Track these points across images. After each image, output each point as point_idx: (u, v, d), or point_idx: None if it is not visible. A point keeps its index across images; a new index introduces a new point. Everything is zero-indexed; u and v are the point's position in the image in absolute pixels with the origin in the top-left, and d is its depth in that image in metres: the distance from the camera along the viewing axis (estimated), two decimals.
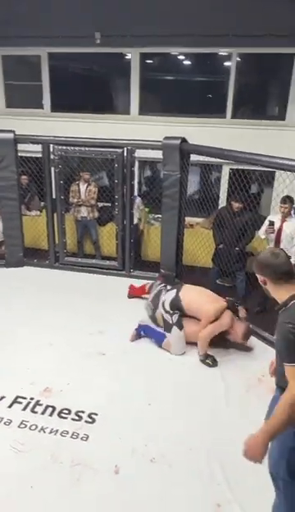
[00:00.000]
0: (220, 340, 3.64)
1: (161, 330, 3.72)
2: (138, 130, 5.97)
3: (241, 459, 2.53)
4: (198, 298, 3.67)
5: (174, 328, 3.61)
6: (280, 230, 4.74)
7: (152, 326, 3.80)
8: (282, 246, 4.76)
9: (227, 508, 2.29)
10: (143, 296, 4.38)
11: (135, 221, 6.16)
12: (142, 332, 3.75)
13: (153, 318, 3.86)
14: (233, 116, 6.80)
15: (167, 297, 3.72)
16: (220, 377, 3.35)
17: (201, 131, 5.92)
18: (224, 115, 6.80)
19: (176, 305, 3.65)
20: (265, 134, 6.29)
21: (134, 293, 4.54)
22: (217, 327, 3.53)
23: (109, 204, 5.96)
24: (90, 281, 4.94)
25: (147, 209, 6.54)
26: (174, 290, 3.74)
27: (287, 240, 4.69)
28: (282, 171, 3.85)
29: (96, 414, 2.89)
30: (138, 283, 4.68)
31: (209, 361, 3.51)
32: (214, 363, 3.50)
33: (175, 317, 3.63)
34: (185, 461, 2.56)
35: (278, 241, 4.77)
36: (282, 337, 1.83)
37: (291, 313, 1.84)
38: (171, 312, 3.65)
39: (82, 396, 3.05)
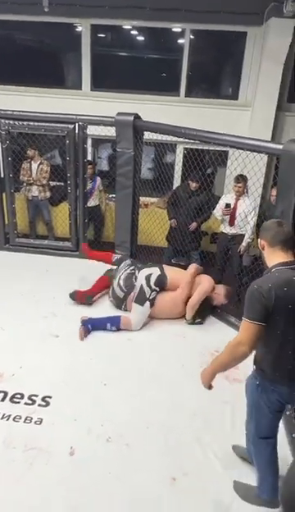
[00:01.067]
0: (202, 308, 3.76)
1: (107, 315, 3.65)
2: (89, 106, 5.80)
3: (196, 433, 2.62)
4: (178, 273, 3.79)
5: (147, 303, 3.60)
6: (234, 209, 4.81)
7: (95, 316, 3.64)
8: (235, 224, 4.85)
9: (182, 480, 2.33)
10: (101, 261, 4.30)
11: (97, 202, 6.03)
12: (89, 326, 3.56)
13: (118, 300, 3.79)
14: (187, 95, 6.75)
15: (152, 272, 3.69)
16: (174, 354, 3.37)
17: (154, 109, 5.83)
18: (178, 93, 6.73)
19: (161, 281, 3.66)
20: (219, 113, 6.30)
21: (96, 256, 4.41)
22: (202, 293, 3.64)
23: (62, 184, 5.78)
24: (43, 263, 4.77)
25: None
26: (157, 268, 3.75)
27: (240, 217, 4.77)
28: (235, 150, 3.86)
29: (50, 397, 2.82)
30: (92, 264, 4.60)
31: (198, 319, 3.74)
32: (203, 320, 3.76)
33: (153, 294, 3.63)
34: (142, 439, 2.57)
35: (232, 220, 4.85)
36: (246, 297, 1.93)
37: (264, 278, 1.96)
38: (153, 287, 3.62)
39: (35, 380, 2.96)
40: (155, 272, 3.72)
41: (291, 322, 1.90)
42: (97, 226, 6.19)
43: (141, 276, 3.70)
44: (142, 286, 3.64)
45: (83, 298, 3.86)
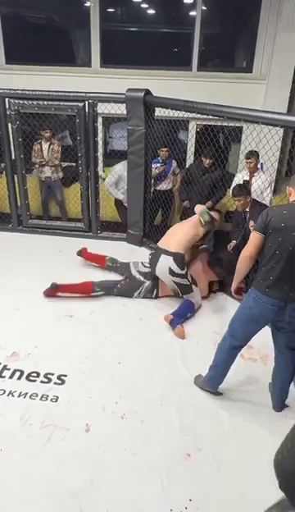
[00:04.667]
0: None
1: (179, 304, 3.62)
2: (99, 83, 5.64)
3: (211, 410, 2.63)
4: (177, 234, 3.66)
5: (194, 287, 3.59)
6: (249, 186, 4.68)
7: (175, 308, 3.57)
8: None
9: (196, 456, 2.34)
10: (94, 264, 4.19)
11: (170, 186, 5.73)
12: (178, 320, 3.42)
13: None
14: (200, 69, 6.54)
15: (168, 263, 3.50)
16: (188, 333, 3.36)
17: (166, 84, 5.68)
18: (190, 67, 6.53)
19: (181, 261, 3.51)
20: (232, 87, 6.10)
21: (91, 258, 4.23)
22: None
23: (74, 164, 5.73)
24: (56, 244, 4.78)
25: (111, 169, 6.31)
26: (165, 256, 3.53)
27: (256, 194, 4.65)
28: (249, 124, 3.74)
29: (65, 376, 2.85)
30: (106, 244, 4.59)
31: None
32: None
33: (190, 276, 3.58)
34: (156, 416, 2.58)
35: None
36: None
37: (276, 207, 2.43)
38: (184, 272, 3.52)
39: (50, 359, 3.00)
40: (168, 261, 3.51)
41: (282, 239, 2.25)
42: (167, 211, 5.79)
43: (166, 278, 3.57)
44: (176, 283, 3.53)
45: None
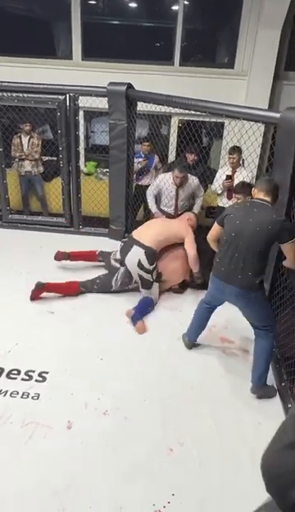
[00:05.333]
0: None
1: (141, 296, 3.62)
2: (81, 76, 5.58)
3: (193, 405, 2.64)
4: (155, 228, 3.71)
5: (155, 284, 3.62)
6: (232, 181, 4.70)
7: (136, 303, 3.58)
8: (234, 197, 4.74)
9: (179, 451, 2.35)
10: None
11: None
12: (139, 315, 3.43)
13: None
14: (182, 64, 6.52)
15: (138, 255, 3.51)
16: (171, 328, 3.36)
17: (148, 79, 5.64)
18: (172, 62, 6.50)
19: (152, 256, 3.53)
20: (214, 83, 6.11)
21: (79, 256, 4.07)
22: (193, 244, 3.72)
23: (55, 158, 5.64)
24: (37, 240, 4.71)
25: (93, 163, 6.27)
26: (137, 247, 3.55)
27: None
28: (231, 120, 3.75)
29: (46, 373, 2.82)
30: (87, 240, 4.54)
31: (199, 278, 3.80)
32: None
33: (155, 274, 3.60)
34: (139, 412, 2.58)
35: (230, 193, 4.74)
36: None
37: (235, 204, 2.93)
38: (151, 268, 3.54)
39: (32, 356, 2.96)
40: (139, 253, 3.53)
41: (229, 227, 2.64)
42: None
43: (133, 268, 3.58)
44: (142, 276, 3.55)
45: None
